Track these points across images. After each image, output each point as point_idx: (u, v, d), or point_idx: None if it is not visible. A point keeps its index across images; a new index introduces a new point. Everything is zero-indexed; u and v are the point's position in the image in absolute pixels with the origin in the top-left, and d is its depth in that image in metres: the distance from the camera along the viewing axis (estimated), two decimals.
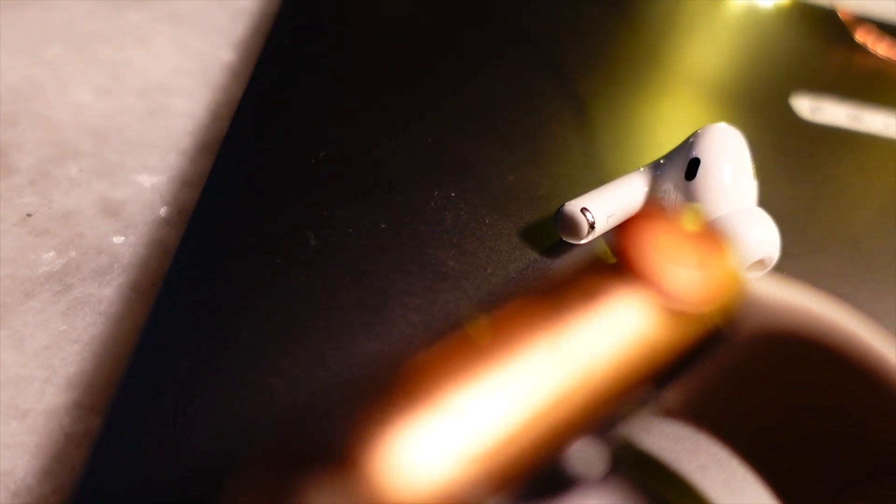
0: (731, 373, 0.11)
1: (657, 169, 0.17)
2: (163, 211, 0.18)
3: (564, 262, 0.16)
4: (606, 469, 0.09)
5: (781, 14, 0.30)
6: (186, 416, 0.13)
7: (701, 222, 0.09)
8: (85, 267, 0.16)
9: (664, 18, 0.28)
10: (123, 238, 0.17)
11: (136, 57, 0.22)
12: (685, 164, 0.16)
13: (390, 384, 0.06)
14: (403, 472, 0.06)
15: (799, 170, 0.22)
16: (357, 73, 0.21)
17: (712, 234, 0.08)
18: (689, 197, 0.16)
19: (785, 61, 0.27)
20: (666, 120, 0.22)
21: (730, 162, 0.16)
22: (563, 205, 0.16)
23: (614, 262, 0.08)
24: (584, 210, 0.15)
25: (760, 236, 0.16)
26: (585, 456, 0.07)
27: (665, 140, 0.21)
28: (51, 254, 0.16)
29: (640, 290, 0.07)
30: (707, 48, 0.27)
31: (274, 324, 0.14)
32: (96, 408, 0.14)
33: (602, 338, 0.07)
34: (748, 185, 0.16)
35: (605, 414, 0.07)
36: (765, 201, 0.17)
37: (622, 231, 0.08)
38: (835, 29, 0.30)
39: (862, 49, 0.30)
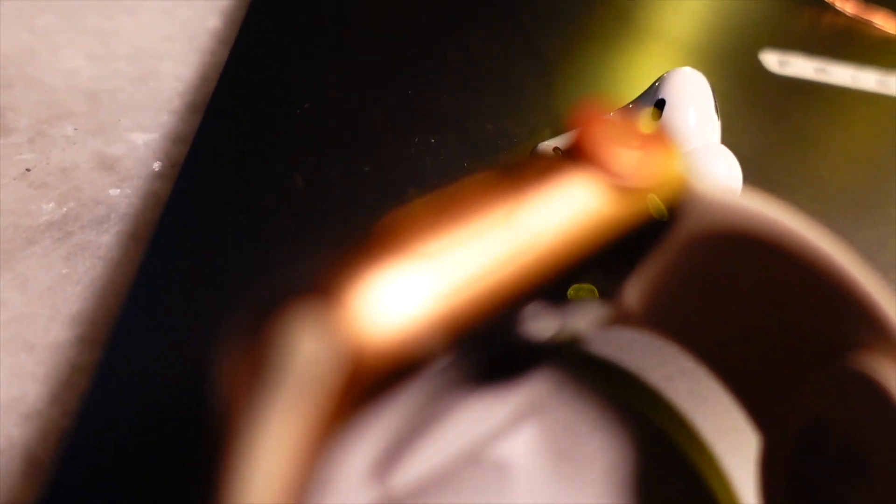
0: (686, 277, 0.12)
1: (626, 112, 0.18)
2: (156, 165, 0.18)
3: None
4: (555, 336, 0.10)
5: None
6: (178, 346, 0.14)
7: (655, 125, 0.10)
8: (84, 216, 0.17)
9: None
10: (119, 190, 0.18)
11: (126, 24, 0.22)
12: (650, 104, 0.17)
13: (366, 238, 0.07)
14: (375, 308, 0.07)
15: (766, 118, 0.23)
16: (339, 35, 0.22)
17: (662, 134, 0.09)
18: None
19: (755, 20, 0.28)
20: (637, 74, 0.23)
21: (693, 102, 0.17)
22: (536, 145, 0.17)
23: (568, 151, 0.08)
24: (555, 149, 0.16)
25: (722, 170, 0.16)
26: (536, 318, 0.08)
27: (635, 92, 0.22)
28: (50, 205, 0.17)
29: (588, 171, 0.08)
30: (679, 8, 0.28)
31: (262, 257, 0.15)
32: (98, 341, 0.15)
33: (552, 209, 0.08)
34: (711, 125, 0.17)
35: (555, 280, 0.08)
36: (733, 146, 0.18)
37: (576, 120, 0.09)
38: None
39: (831, 8, 0.31)
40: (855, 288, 0.10)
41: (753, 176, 0.18)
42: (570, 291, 0.09)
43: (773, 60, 0.25)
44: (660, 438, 0.13)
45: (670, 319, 0.12)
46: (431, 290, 0.07)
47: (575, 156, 0.08)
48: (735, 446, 0.13)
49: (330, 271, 0.07)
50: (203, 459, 0.12)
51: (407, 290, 0.07)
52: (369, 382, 0.07)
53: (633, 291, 0.12)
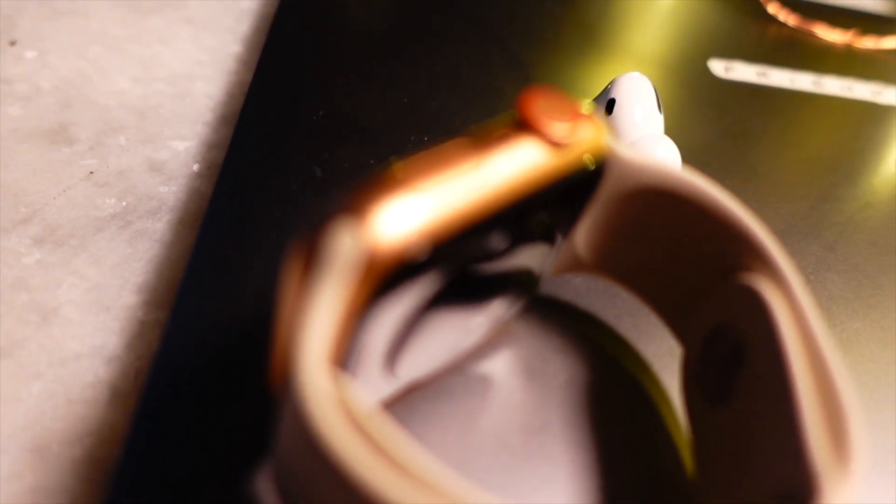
0: (618, 227, 0.15)
1: None
2: (195, 167, 0.22)
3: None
4: (516, 266, 0.13)
5: None
6: (227, 301, 0.17)
7: (590, 106, 0.13)
8: (140, 209, 0.21)
9: (600, 2, 0.33)
10: (167, 187, 0.21)
11: (162, 52, 0.26)
12: (605, 104, 0.21)
13: (379, 178, 0.11)
14: (385, 222, 0.10)
15: (710, 116, 0.26)
16: (344, 55, 0.26)
17: (593, 113, 0.13)
18: (608, 128, 0.21)
19: (705, 33, 0.32)
20: (599, 80, 0.27)
21: (639, 100, 0.21)
22: None
23: (518, 121, 0.12)
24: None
25: (662, 154, 0.20)
26: (501, 242, 0.12)
27: (596, 92, 0.25)
28: (112, 200, 0.21)
29: (533, 135, 0.12)
30: (637, 25, 0.32)
31: (291, 233, 0.19)
32: (162, 304, 0.18)
33: (508, 161, 0.12)
34: (655, 119, 0.21)
35: (513, 212, 0.12)
36: (679, 139, 0.22)
37: (527, 96, 0.12)
38: (751, 5, 0.35)
39: (775, 20, 0.35)
40: (740, 225, 0.14)
41: (695, 163, 0.22)
42: (531, 224, 0.13)
43: (719, 67, 0.29)
44: (609, 360, 0.17)
45: (611, 263, 0.16)
46: (423, 212, 0.11)
47: (523, 124, 0.12)
48: (669, 364, 0.16)
49: (354, 199, 0.10)
50: (262, 385, 0.15)
51: (406, 211, 0.10)
52: (381, 273, 0.10)
53: (581, 242, 0.16)
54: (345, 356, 0.11)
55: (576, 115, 0.12)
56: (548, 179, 0.12)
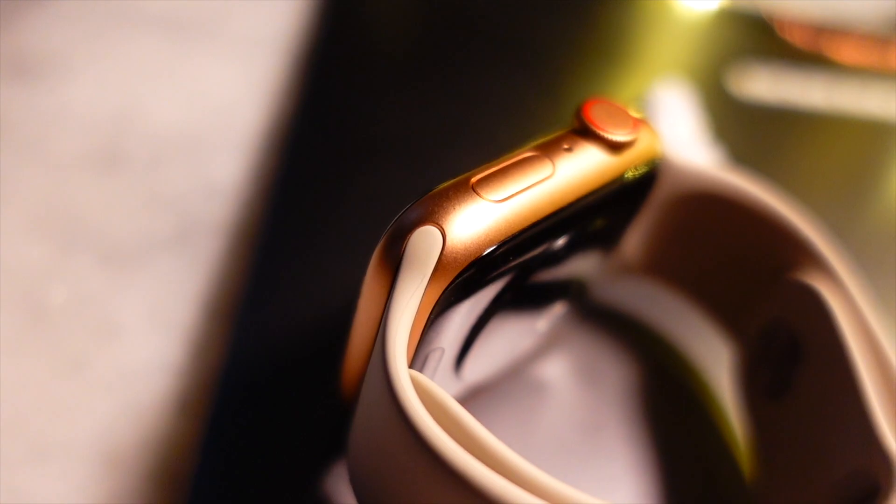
0: (670, 230, 0.16)
1: None
2: (248, 189, 0.23)
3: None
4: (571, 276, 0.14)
5: (718, 15, 0.36)
6: (291, 315, 0.18)
7: (641, 113, 0.14)
8: (199, 228, 0.21)
9: (616, 24, 0.34)
10: (221, 209, 0.22)
11: (208, 80, 0.27)
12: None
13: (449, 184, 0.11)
14: (457, 225, 0.11)
15: (725, 134, 0.27)
16: (384, 78, 0.27)
17: (645, 119, 0.14)
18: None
19: (719, 54, 0.32)
20: (620, 87, 0.28)
21: (676, 108, 0.21)
22: None
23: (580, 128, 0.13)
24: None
25: (704, 157, 0.21)
26: (559, 254, 0.13)
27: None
28: (170, 222, 0.21)
29: (597, 141, 0.13)
30: (652, 44, 0.33)
31: (343, 247, 0.19)
32: (224, 319, 0.19)
33: (571, 167, 0.12)
34: (692, 126, 0.22)
35: (576, 216, 0.12)
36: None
37: (586, 107, 0.13)
38: (764, 26, 0.35)
39: (787, 41, 0.35)
40: (792, 225, 0.14)
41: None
42: (591, 226, 0.13)
43: (734, 85, 0.29)
44: (655, 360, 0.17)
45: (661, 265, 0.16)
46: (494, 217, 0.11)
47: (586, 130, 0.13)
48: (712, 361, 0.17)
49: (432, 204, 0.11)
50: (330, 391, 0.16)
51: (479, 216, 0.11)
52: (455, 275, 0.11)
53: (631, 246, 0.16)
54: (418, 353, 0.12)
55: (632, 122, 0.13)
56: (609, 182, 0.13)
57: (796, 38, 0.35)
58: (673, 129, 0.21)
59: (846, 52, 0.35)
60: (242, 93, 0.27)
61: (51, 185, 0.22)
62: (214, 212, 0.22)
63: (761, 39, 0.34)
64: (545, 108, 0.26)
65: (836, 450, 0.13)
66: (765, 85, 0.30)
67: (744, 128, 0.28)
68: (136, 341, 0.18)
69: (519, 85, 0.27)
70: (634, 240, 0.16)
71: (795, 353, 0.14)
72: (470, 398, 0.15)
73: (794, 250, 0.14)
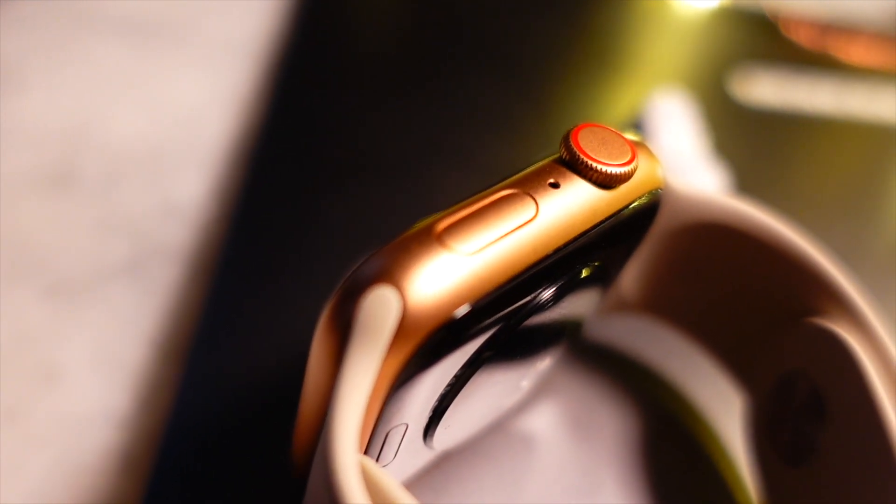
0: (671, 265, 0.14)
1: None
2: (211, 210, 0.21)
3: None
4: (564, 318, 0.12)
5: (719, 14, 0.34)
6: (249, 357, 0.16)
7: (638, 136, 0.12)
8: (153, 256, 0.19)
9: (610, 26, 0.32)
10: (181, 233, 0.20)
11: (172, 91, 0.26)
12: (637, 130, 0.20)
13: (413, 231, 0.09)
14: (420, 282, 0.09)
15: (728, 139, 0.25)
16: (361, 89, 0.25)
17: (643, 142, 0.12)
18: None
19: (721, 56, 0.31)
20: (615, 105, 0.26)
21: (674, 123, 0.20)
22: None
23: (567, 161, 0.11)
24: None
25: (703, 179, 0.19)
26: (550, 299, 0.11)
27: (616, 114, 0.24)
28: (123, 248, 0.20)
29: (586, 176, 0.11)
30: (650, 49, 0.31)
31: (310, 280, 0.18)
32: (178, 359, 0.17)
33: (558, 204, 0.10)
34: (692, 141, 0.20)
35: (566, 260, 0.10)
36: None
37: (574, 134, 0.11)
38: (768, 26, 0.33)
39: (792, 42, 0.33)
40: (811, 263, 0.13)
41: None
42: (584, 271, 0.11)
43: (736, 88, 0.28)
44: (658, 408, 0.15)
45: (662, 302, 0.15)
46: (464, 269, 0.09)
47: (574, 164, 0.11)
48: (723, 410, 0.15)
49: (388, 258, 0.09)
50: (283, 454, 0.14)
51: (446, 270, 0.09)
52: (421, 340, 0.09)
53: (628, 281, 0.14)
54: (376, 433, 0.10)
55: (629, 150, 0.11)
56: (602, 221, 0.11)
57: (802, 39, 0.33)
58: (673, 144, 0.19)
59: (855, 53, 0.33)
60: (209, 103, 0.25)
61: None
62: (172, 235, 0.20)
63: (765, 40, 0.32)
64: (534, 119, 0.24)
65: None
66: (769, 88, 0.29)
67: (748, 134, 0.26)
68: (79, 387, 0.16)
69: (505, 94, 0.25)
70: (633, 274, 0.14)
71: (818, 410, 0.12)
72: (445, 461, 0.13)
73: (814, 290, 0.13)
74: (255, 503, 0.13)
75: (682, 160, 0.19)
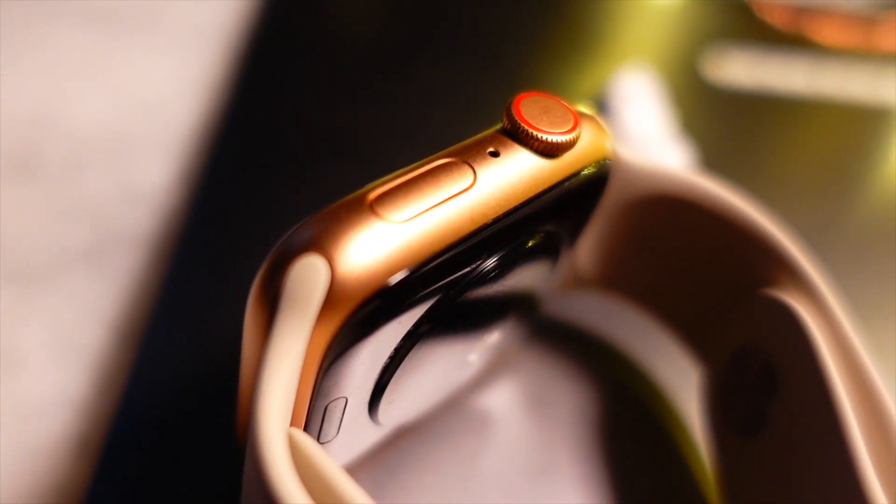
0: (626, 239, 0.14)
1: None
2: (173, 196, 0.21)
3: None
4: (515, 289, 0.12)
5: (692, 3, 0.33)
6: (204, 343, 0.16)
7: (589, 108, 0.12)
8: (114, 242, 0.19)
9: (584, 6, 0.32)
10: (143, 219, 0.20)
11: (136, 76, 0.25)
12: (603, 106, 0.20)
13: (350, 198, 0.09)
14: (353, 250, 0.09)
15: (700, 121, 0.25)
16: (330, 72, 0.25)
17: (593, 114, 0.12)
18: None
19: (694, 37, 0.30)
20: (592, 85, 0.26)
21: (638, 99, 0.19)
22: None
23: (508, 129, 0.11)
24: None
25: (668, 155, 0.19)
26: (496, 266, 0.11)
27: (584, 92, 0.24)
28: (84, 234, 0.19)
29: (527, 144, 0.11)
30: (625, 30, 0.31)
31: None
32: (136, 345, 0.17)
33: (498, 174, 0.10)
34: (658, 119, 0.20)
35: (509, 228, 0.10)
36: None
37: (516, 103, 0.11)
38: (741, 7, 0.33)
39: (765, 22, 0.33)
40: (765, 234, 0.12)
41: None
42: (530, 242, 0.11)
43: (709, 70, 0.28)
44: (616, 383, 0.15)
45: (618, 277, 0.14)
46: (399, 237, 0.09)
47: (515, 132, 0.11)
48: (681, 384, 0.15)
49: (319, 227, 0.09)
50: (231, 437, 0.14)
51: (379, 238, 0.09)
52: (353, 310, 0.09)
53: (584, 256, 0.14)
54: (314, 407, 0.10)
55: (572, 118, 0.11)
56: (545, 191, 0.11)
57: (775, 19, 0.33)
58: (636, 121, 0.19)
59: (829, 33, 0.33)
60: (175, 89, 0.25)
61: None
62: (134, 221, 0.20)
63: (737, 20, 0.32)
64: (504, 100, 0.24)
65: (813, 494, 0.11)
66: (742, 69, 0.28)
67: (720, 116, 0.26)
68: (36, 372, 0.16)
69: (479, 77, 0.25)
70: (587, 247, 0.14)
71: (770, 382, 0.12)
72: (397, 440, 0.13)
73: (767, 261, 0.12)
74: (205, 481, 0.13)
75: (646, 137, 0.19)
